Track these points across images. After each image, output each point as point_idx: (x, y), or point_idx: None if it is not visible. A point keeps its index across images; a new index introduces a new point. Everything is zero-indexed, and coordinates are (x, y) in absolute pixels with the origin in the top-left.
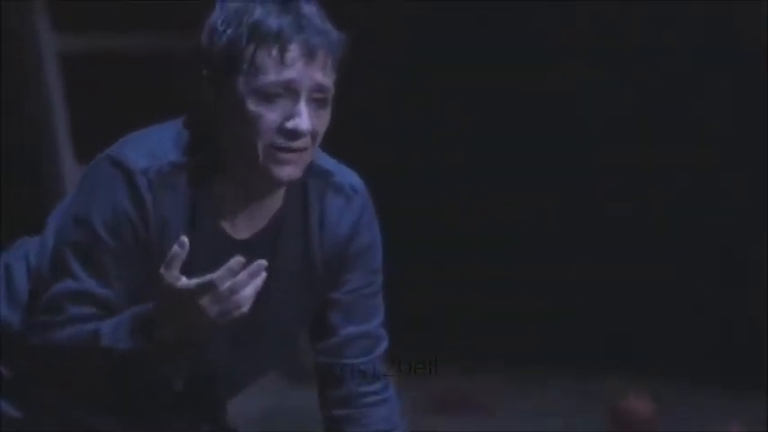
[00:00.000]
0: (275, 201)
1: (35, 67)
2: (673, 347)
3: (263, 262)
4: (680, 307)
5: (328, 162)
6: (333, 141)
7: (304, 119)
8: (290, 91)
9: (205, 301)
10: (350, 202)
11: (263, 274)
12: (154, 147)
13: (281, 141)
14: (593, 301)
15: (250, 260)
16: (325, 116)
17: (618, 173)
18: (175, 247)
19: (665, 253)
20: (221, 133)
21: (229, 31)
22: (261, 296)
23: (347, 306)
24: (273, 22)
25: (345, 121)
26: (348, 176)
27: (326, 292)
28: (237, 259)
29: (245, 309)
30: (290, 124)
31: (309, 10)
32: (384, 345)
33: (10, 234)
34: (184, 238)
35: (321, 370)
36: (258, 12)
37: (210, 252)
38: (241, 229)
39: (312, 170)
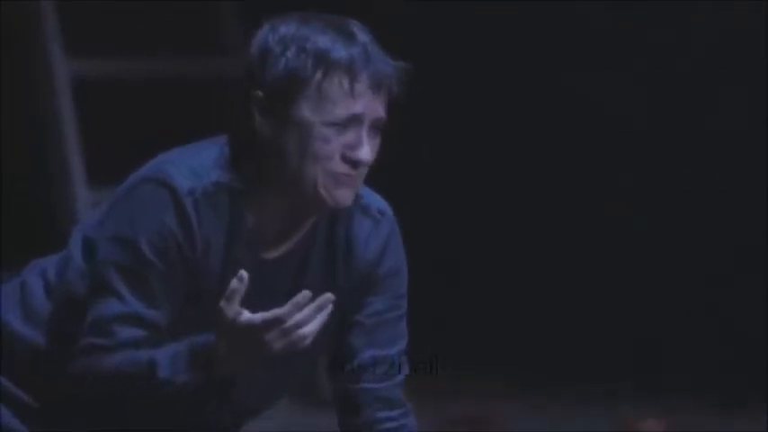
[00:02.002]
0: (306, 222)
1: (48, 92)
2: (688, 350)
3: (331, 296)
4: (696, 309)
5: None
6: None
7: (366, 150)
8: (355, 122)
9: (270, 336)
10: (378, 225)
11: (330, 307)
12: (196, 166)
13: (342, 169)
14: (606, 303)
15: (278, 279)
16: (378, 143)
17: (635, 171)
18: (234, 282)
19: (680, 242)
20: (269, 154)
21: (289, 55)
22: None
23: (369, 329)
24: (343, 51)
25: None
26: (376, 200)
27: (350, 314)
28: (305, 293)
29: (309, 342)
30: (353, 154)
31: (370, 40)
32: (404, 373)
33: (21, 257)
34: (244, 273)
35: (339, 396)
36: (322, 39)
37: (242, 269)
38: (272, 249)
39: None
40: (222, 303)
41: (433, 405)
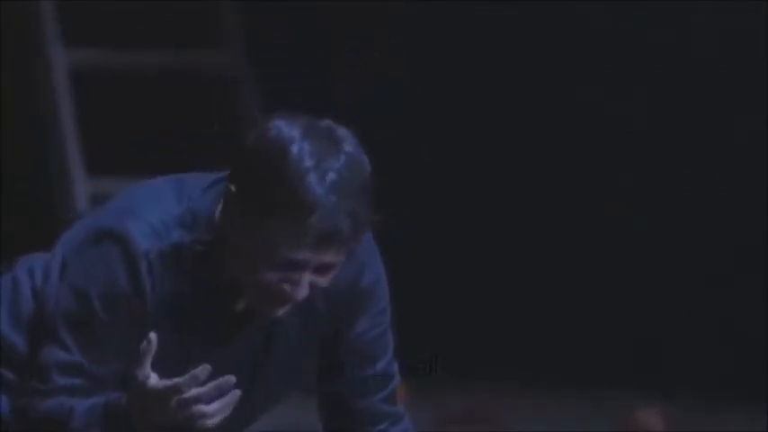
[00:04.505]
0: None
1: (45, 82)
2: (688, 350)
3: (232, 378)
4: (696, 309)
5: None
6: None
7: (302, 290)
8: (296, 266)
9: (172, 404)
10: (351, 254)
11: (236, 392)
12: (157, 224)
13: (276, 296)
14: (606, 304)
15: (251, 330)
16: (331, 275)
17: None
18: (144, 344)
19: (680, 242)
20: (224, 239)
21: (264, 173)
22: (261, 362)
23: (353, 350)
24: (309, 194)
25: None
26: None
27: (332, 340)
28: (204, 367)
29: (211, 423)
30: (287, 288)
31: (346, 174)
32: (392, 384)
33: (19, 248)
34: (152, 336)
35: (324, 413)
36: (303, 168)
37: (214, 327)
38: (242, 301)
39: None
40: (134, 366)
41: (432, 403)
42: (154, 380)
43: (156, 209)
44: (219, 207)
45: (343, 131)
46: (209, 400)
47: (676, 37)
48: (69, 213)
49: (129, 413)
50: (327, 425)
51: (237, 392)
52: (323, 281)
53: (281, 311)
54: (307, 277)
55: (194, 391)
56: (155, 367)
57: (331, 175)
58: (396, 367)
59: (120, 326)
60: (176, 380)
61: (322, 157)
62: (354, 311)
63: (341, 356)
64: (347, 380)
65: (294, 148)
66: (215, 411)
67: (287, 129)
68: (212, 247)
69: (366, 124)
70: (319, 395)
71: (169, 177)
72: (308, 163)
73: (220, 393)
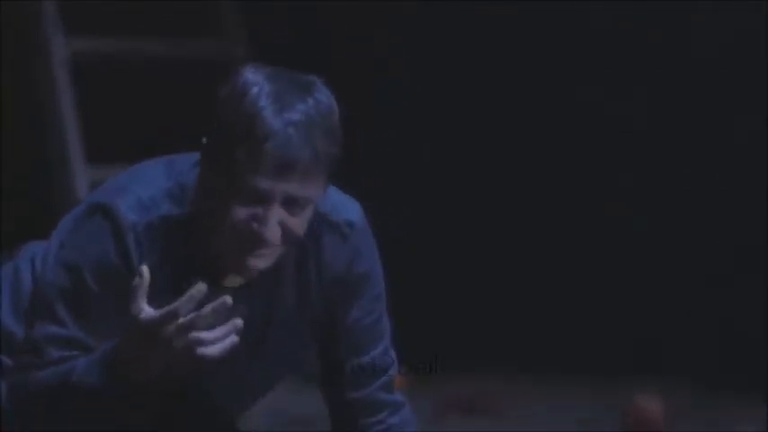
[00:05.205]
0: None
1: (45, 70)
2: (688, 349)
3: (228, 299)
4: (696, 309)
5: (324, 202)
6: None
7: (271, 227)
8: (261, 198)
9: (168, 333)
10: (346, 239)
11: (237, 322)
12: (146, 198)
13: (249, 242)
14: (606, 303)
15: (251, 306)
16: (305, 215)
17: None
18: (136, 279)
19: (680, 242)
20: (206, 198)
21: (228, 112)
22: (259, 339)
23: (348, 338)
24: (263, 124)
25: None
26: (344, 212)
27: (328, 325)
28: (199, 287)
29: (211, 353)
30: (255, 227)
31: (311, 112)
32: (390, 371)
33: (20, 236)
34: (144, 268)
35: (331, 409)
36: (259, 105)
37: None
38: (234, 277)
39: None
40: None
41: (431, 389)
42: (148, 312)
43: (145, 185)
44: None
45: (315, 81)
46: (207, 327)
47: (676, 37)
48: (70, 201)
49: (128, 354)
50: (331, 415)
51: (239, 321)
52: (294, 222)
53: (256, 261)
54: (275, 214)
55: (190, 316)
56: None
57: (290, 111)
58: (393, 355)
59: (113, 298)
60: (172, 305)
61: (284, 96)
62: (348, 297)
63: (337, 343)
64: (344, 368)
65: (255, 89)
66: (215, 339)
67: (252, 75)
68: (200, 218)
69: (366, 124)
70: (321, 387)
71: (161, 158)
72: (267, 99)
73: (215, 313)
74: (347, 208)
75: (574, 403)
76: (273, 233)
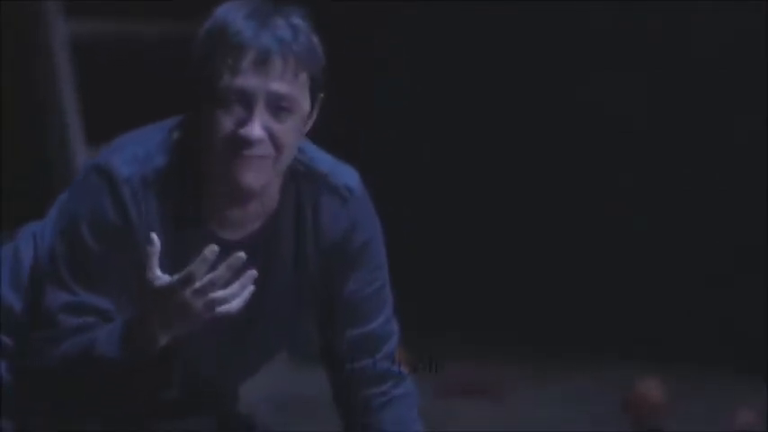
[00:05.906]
0: (268, 203)
1: (45, 52)
2: (688, 334)
3: (242, 254)
4: (696, 294)
5: (324, 163)
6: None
7: (255, 127)
8: (243, 99)
9: (187, 296)
10: (345, 203)
11: (252, 273)
12: (140, 152)
13: (234, 148)
14: (607, 288)
15: (247, 263)
16: (292, 124)
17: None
18: (148, 247)
19: (680, 242)
20: (199, 136)
21: (204, 37)
22: (255, 297)
23: (349, 309)
24: (234, 27)
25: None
26: (344, 177)
27: (327, 295)
28: (212, 248)
29: (234, 305)
30: (241, 131)
31: (283, 18)
32: (392, 342)
33: (20, 219)
34: (154, 236)
35: (333, 382)
36: (229, 18)
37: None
38: (233, 230)
39: (305, 172)
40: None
41: (432, 374)
42: (164, 278)
43: (140, 142)
44: None
45: (293, 9)
46: (224, 284)
47: (676, 37)
48: (67, 179)
49: (148, 321)
50: (333, 388)
51: (253, 273)
52: (280, 129)
53: (248, 175)
54: (258, 113)
55: (207, 278)
56: None
57: (261, 15)
58: (395, 326)
59: (115, 256)
60: (187, 269)
61: (258, 16)
62: (346, 269)
63: (336, 313)
64: (346, 339)
65: (231, 14)
66: (233, 294)
67: (228, 6)
68: (195, 167)
69: (366, 124)
70: (321, 358)
71: (156, 123)
72: (238, 11)
73: (229, 269)
74: (346, 174)
75: (574, 384)
76: (258, 132)
